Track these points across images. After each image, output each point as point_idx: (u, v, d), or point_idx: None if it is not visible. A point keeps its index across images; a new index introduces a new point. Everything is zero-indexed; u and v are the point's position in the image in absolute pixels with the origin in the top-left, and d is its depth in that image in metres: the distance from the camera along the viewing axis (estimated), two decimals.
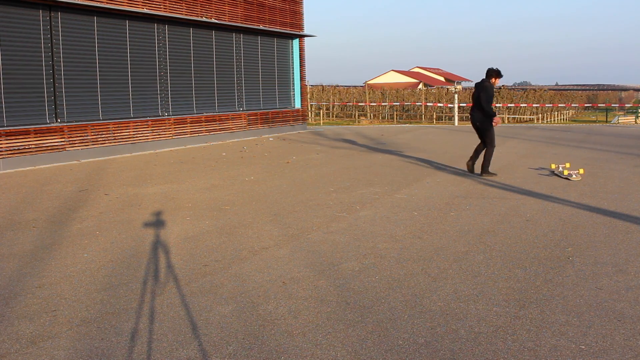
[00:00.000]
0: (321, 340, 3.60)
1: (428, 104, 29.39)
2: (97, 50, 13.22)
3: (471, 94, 10.10)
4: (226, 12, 16.71)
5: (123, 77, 13.89)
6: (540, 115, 29.82)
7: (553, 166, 10.04)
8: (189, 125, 15.66)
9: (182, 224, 6.60)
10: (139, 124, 14.20)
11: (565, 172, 9.54)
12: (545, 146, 14.40)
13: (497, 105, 28.04)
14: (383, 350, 3.46)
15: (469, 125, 24.62)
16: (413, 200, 7.78)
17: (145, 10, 13.99)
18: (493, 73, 9.82)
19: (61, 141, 12.35)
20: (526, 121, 28.87)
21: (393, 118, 30.82)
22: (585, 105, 34.34)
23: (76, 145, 12.66)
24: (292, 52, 20.14)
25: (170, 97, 15.25)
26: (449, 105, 28.58)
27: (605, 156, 12.20)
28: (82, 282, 4.68)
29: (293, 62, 20.21)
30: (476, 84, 9.89)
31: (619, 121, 28.09)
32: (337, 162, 11.85)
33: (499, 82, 10.07)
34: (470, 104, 11.49)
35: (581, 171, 9.60)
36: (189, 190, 8.72)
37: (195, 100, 16.10)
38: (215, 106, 16.84)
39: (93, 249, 5.61)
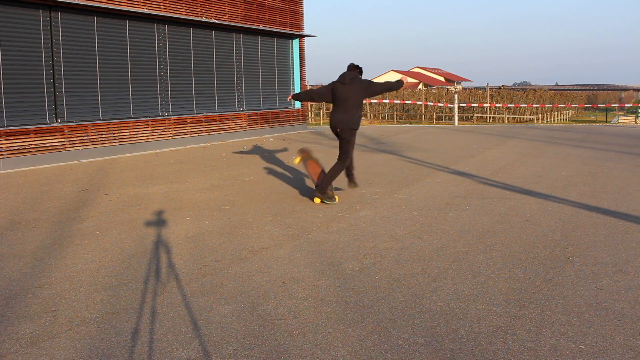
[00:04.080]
0: (321, 340, 3.60)
1: (428, 103, 29.39)
2: (97, 50, 13.23)
3: (333, 87, 7.55)
4: (226, 12, 16.71)
5: (123, 77, 13.89)
6: (540, 115, 29.82)
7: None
8: (189, 125, 15.66)
9: (182, 224, 6.60)
10: (139, 124, 14.20)
11: None
12: (546, 146, 14.40)
13: (497, 105, 28.03)
14: (383, 350, 3.46)
15: (469, 125, 24.65)
16: (413, 200, 7.78)
17: (145, 10, 13.99)
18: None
19: (61, 141, 12.35)
20: (526, 121, 28.88)
21: (393, 118, 30.83)
22: (585, 105, 34.32)
23: (76, 145, 12.66)
24: (292, 52, 20.14)
25: (170, 97, 15.26)
26: (449, 105, 28.58)
27: (605, 156, 12.21)
28: (82, 282, 4.69)
29: (293, 62, 20.21)
30: (347, 77, 7.47)
31: (619, 121, 28.09)
32: None
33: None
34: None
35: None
36: (189, 190, 8.72)
37: (195, 100, 16.10)
38: (215, 106, 16.84)
39: (93, 249, 5.61)
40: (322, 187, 7.59)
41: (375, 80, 8.17)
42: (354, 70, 7.67)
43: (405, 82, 7.73)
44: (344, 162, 7.60)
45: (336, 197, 7.81)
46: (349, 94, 7.40)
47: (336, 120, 7.48)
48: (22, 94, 11.77)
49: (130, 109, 14.12)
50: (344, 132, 7.47)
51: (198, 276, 4.79)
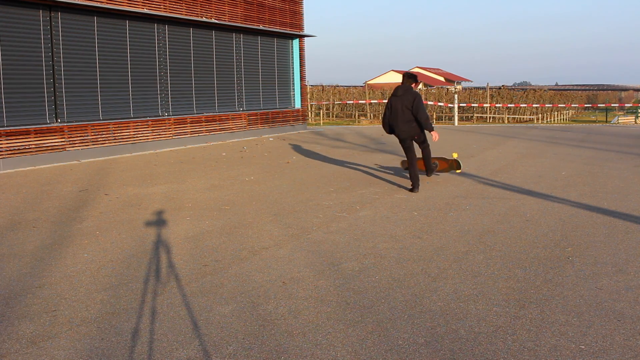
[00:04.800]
0: (321, 340, 3.60)
1: (428, 103, 29.38)
2: (97, 50, 13.23)
3: (391, 101, 8.41)
4: (226, 12, 16.71)
5: (123, 77, 13.89)
6: (540, 115, 29.82)
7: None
8: (189, 125, 15.66)
9: (182, 224, 6.60)
10: (139, 124, 14.20)
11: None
12: (546, 146, 14.40)
13: (497, 105, 28.03)
14: (383, 350, 3.46)
15: (469, 125, 24.64)
16: (413, 200, 7.78)
17: (145, 10, 13.99)
18: (413, 78, 8.52)
19: (61, 141, 12.35)
20: (526, 121, 28.88)
21: None
22: (585, 105, 34.34)
23: (76, 145, 12.66)
24: (292, 52, 20.14)
25: (170, 97, 15.26)
26: (449, 105, 28.58)
27: (605, 156, 12.21)
28: (82, 282, 4.69)
29: (293, 62, 20.21)
30: (400, 89, 8.38)
31: (619, 121, 28.09)
32: (337, 162, 11.85)
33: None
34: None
35: (454, 155, 9.68)
36: (189, 190, 8.72)
37: (195, 100, 16.10)
38: (215, 106, 16.84)
39: (93, 249, 5.61)
40: (430, 169, 8.81)
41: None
42: (408, 80, 8.46)
43: (434, 134, 8.57)
44: (427, 146, 8.74)
45: (437, 162, 9.25)
46: (401, 107, 8.25)
47: (406, 133, 8.34)
48: (22, 94, 11.77)
49: (130, 109, 14.12)
50: (420, 137, 8.49)
51: (198, 276, 4.79)
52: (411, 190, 8.41)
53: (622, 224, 6.34)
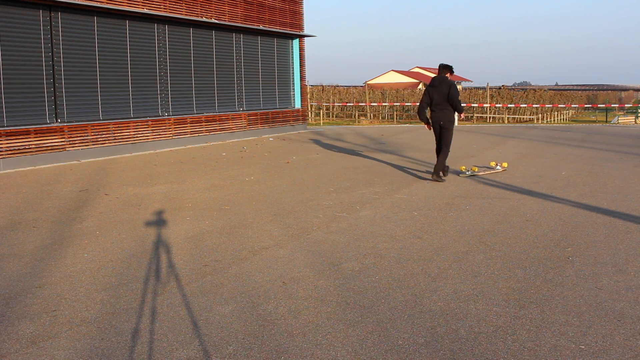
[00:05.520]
0: (321, 340, 3.60)
1: None
2: (97, 50, 13.22)
3: (428, 91, 9.31)
4: (226, 12, 16.71)
5: (123, 77, 13.89)
6: (540, 115, 29.82)
7: (475, 169, 10.02)
8: (189, 125, 15.66)
9: (182, 224, 6.60)
10: (139, 124, 14.20)
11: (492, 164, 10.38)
12: (546, 145, 14.40)
13: (497, 105, 28.02)
14: (383, 350, 3.46)
15: (469, 125, 24.64)
16: (413, 200, 7.78)
17: (145, 10, 13.99)
18: (448, 69, 9.29)
19: (61, 141, 12.35)
20: (526, 121, 28.89)
21: (393, 118, 30.83)
22: (585, 105, 34.35)
23: (76, 145, 12.66)
24: (292, 52, 20.14)
25: (170, 97, 15.25)
26: None
27: (605, 156, 12.21)
28: (82, 282, 4.69)
29: (293, 62, 20.21)
30: (437, 80, 9.24)
31: (619, 121, 28.09)
32: (337, 162, 11.85)
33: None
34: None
35: (504, 164, 10.36)
36: (189, 190, 8.72)
37: (195, 100, 16.10)
38: (215, 106, 16.84)
39: (93, 249, 5.61)
40: (436, 171, 9.19)
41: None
42: (443, 71, 9.25)
43: (462, 115, 9.62)
44: (448, 149, 9.33)
45: (444, 178, 9.34)
46: (437, 96, 9.14)
47: (437, 117, 9.26)
48: (22, 94, 11.77)
49: (130, 109, 14.12)
50: (446, 124, 9.21)
51: (198, 276, 4.79)
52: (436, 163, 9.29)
53: (622, 224, 6.34)
